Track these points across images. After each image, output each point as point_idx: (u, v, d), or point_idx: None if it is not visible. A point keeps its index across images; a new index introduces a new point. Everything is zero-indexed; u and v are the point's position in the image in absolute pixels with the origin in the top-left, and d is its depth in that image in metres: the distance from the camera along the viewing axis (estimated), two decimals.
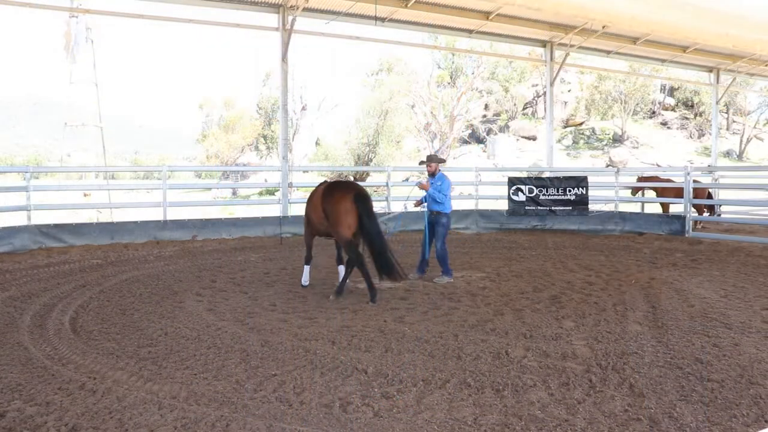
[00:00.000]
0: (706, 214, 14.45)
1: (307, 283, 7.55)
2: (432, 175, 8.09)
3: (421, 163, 8.40)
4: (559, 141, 42.22)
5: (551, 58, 15.75)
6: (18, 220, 11.24)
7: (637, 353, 4.70)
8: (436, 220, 8.00)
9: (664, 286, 7.38)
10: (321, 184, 7.31)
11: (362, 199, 6.67)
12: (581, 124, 45.11)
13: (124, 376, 4.27)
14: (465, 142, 44.21)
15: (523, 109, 48.14)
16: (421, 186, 8.12)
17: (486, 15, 13.54)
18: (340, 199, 6.69)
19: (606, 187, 15.08)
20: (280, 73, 12.68)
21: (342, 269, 7.32)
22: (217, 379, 4.22)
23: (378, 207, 19.36)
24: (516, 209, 13.48)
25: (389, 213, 10.36)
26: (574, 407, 3.70)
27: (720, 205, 16.04)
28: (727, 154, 40.90)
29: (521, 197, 13.42)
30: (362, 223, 6.59)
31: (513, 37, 15.74)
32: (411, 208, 8.90)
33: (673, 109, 47.72)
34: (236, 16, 13.03)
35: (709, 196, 14.08)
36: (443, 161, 8.44)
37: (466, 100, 39.05)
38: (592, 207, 13.45)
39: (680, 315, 5.91)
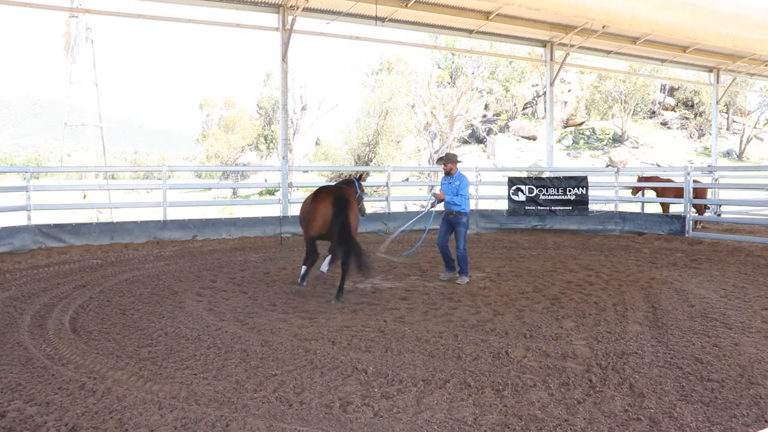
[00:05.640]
0: (707, 214, 14.44)
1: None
2: (449, 174, 8.01)
3: (439, 161, 8.34)
4: (559, 141, 42.21)
5: (551, 58, 15.75)
6: (18, 220, 11.23)
7: (637, 353, 4.70)
8: (456, 220, 7.84)
9: (664, 286, 7.38)
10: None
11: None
12: (581, 124, 45.11)
13: (124, 376, 4.27)
14: (465, 142, 44.19)
15: (523, 109, 48.14)
16: (437, 196, 8.13)
17: (486, 15, 13.53)
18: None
19: (606, 187, 15.08)
20: (280, 73, 12.67)
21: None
22: (217, 379, 4.22)
23: (378, 207, 19.27)
24: (516, 209, 13.48)
25: (420, 212, 9.95)
26: (574, 407, 3.70)
27: (720, 206, 16.08)
28: (727, 154, 40.89)
29: (521, 197, 13.42)
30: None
31: (513, 37, 15.74)
32: (431, 208, 8.79)
33: (673, 109, 47.72)
34: (236, 16, 13.12)
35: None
36: (460, 161, 8.35)
37: (466, 100, 39.02)
38: (592, 207, 13.44)
39: (680, 315, 5.91)
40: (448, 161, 8.01)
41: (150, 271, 8.56)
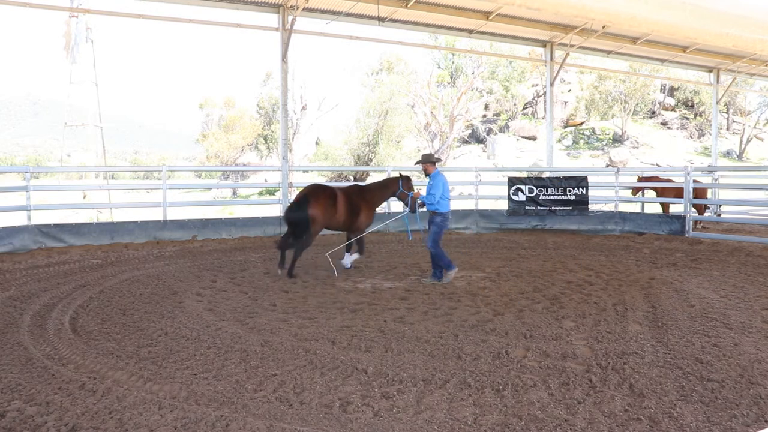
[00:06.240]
0: (707, 214, 14.42)
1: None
2: (427, 175, 8.10)
3: (417, 163, 8.43)
4: (559, 141, 42.19)
5: (551, 58, 15.75)
6: (18, 220, 11.23)
7: (637, 353, 4.70)
8: (430, 219, 7.91)
9: (664, 286, 7.38)
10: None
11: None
12: (581, 124, 45.09)
13: (124, 376, 4.27)
14: (465, 142, 44.17)
15: (523, 109, 48.12)
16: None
17: (486, 15, 13.54)
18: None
19: (606, 187, 15.09)
20: (280, 73, 12.68)
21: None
22: (217, 379, 4.22)
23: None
24: (516, 209, 13.48)
25: (400, 214, 10.08)
26: (574, 407, 3.70)
27: (720, 206, 16.09)
28: (727, 154, 40.87)
29: (521, 197, 13.42)
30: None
31: (513, 37, 15.74)
32: (420, 208, 8.79)
33: (673, 109, 47.70)
34: (236, 16, 13.13)
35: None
36: (438, 160, 8.34)
37: (466, 100, 39.03)
38: (592, 207, 13.45)
39: (680, 315, 5.91)
40: (424, 162, 8.11)
41: (150, 271, 8.57)
